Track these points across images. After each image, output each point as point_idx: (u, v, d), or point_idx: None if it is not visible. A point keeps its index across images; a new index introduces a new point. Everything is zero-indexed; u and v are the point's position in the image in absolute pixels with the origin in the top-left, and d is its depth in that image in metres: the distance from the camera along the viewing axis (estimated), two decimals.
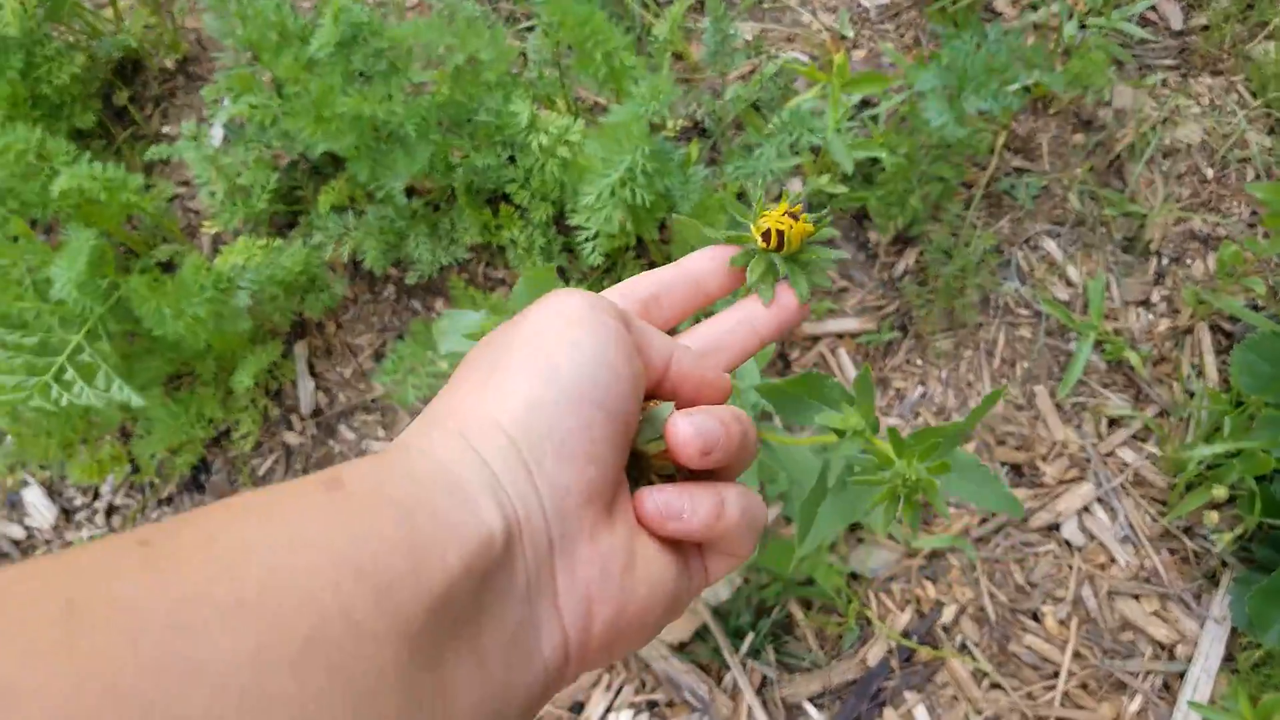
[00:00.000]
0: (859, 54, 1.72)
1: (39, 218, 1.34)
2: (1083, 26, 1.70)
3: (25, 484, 1.54)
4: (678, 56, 1.72)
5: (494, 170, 1.36)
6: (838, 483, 0.59)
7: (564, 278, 1.52)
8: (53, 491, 1.56)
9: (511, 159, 1.40)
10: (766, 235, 0.45)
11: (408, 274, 1.48)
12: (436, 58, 1.36)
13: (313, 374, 1.57)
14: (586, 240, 1.25)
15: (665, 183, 1.29)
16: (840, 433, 0.58)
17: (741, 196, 1.43)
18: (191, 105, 1.74)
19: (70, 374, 1.10)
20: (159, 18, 1.67)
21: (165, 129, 1.73)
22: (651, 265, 1.51)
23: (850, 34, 1.73)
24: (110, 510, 1.55)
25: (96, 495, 1.55)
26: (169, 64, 1.76)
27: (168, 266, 1.55)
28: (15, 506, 1.56)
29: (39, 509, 1.54)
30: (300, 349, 1.56)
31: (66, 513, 1.55)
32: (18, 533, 1.54)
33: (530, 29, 1.71)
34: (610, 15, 1.67)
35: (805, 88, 1.68)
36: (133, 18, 1.67)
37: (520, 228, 1.43)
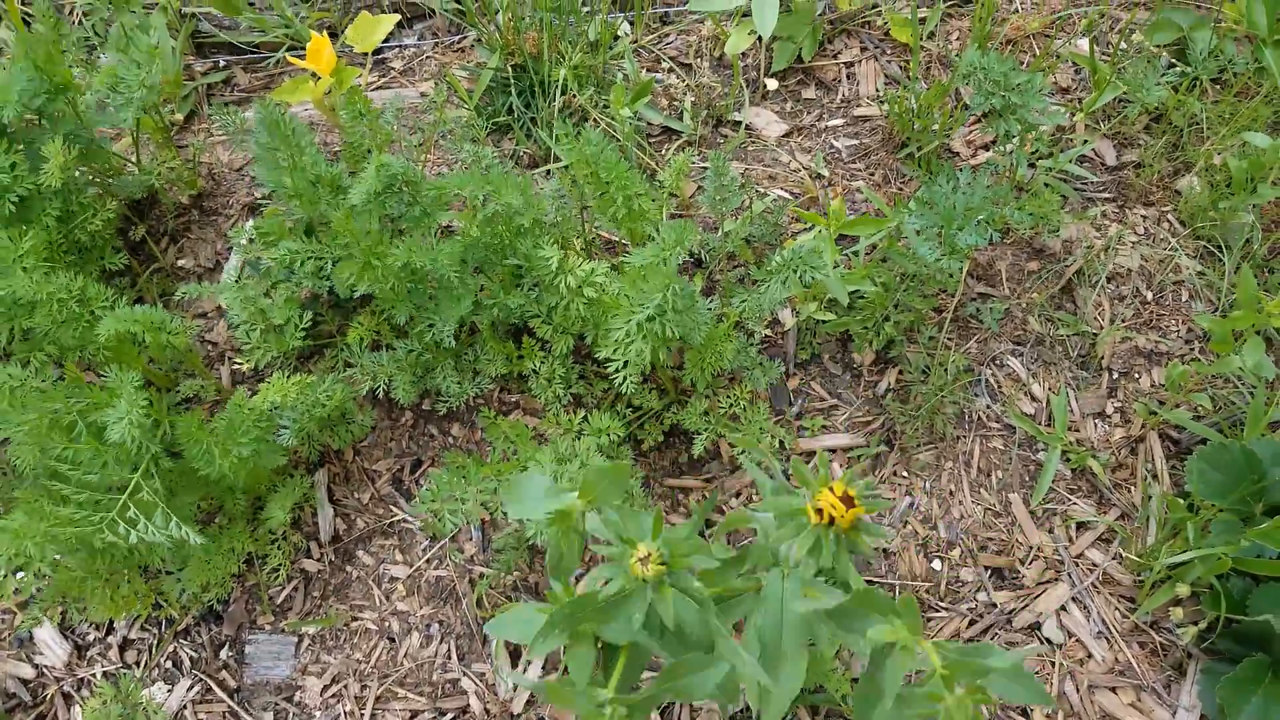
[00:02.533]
0: (834, 191, 1.89)
1: (74, 360, 1.38)
2: (1031, 166, 1.91)
3: (38, 621, 1.53)
4: (672, 193, 1.87)
5: (520, 308, 1.47)
6: (896, 698, 0.68)
7: (579, 404, 1.62)
8: (65, 628, 1.56)
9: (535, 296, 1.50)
10: (820, 511, 0.54)
11: (436, 404, 1.55)
12: (464, 202, 1.47)
13: (331, 500, 1.62)
14: (617, 371, 1.34)
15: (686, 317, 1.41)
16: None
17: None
18: (205, 239, 1.81)
19: (133, 511, 1.15)
20: (174, 154, 1.75)
21: (181, 262, 1.79)
22: (660, 390, 1.62)
23: (826, 173, 1.91)
24: (125, 645, 1.55)
25: (110, 630, 1.56)
26: (184, 199, 1.83)
27: (190, 400, 1.60)
28: (24, 644, 1.55)
29: (51, 646, 1.54)
30: (321, 476, 1.61)
31: (79, 649, 1.55)
32: (27, 672, 1.53)
33: (548, 173, 1.83)
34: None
35: (792, 221, 1.84)
36: (151, 157, 1.75)
37: (542, 359, 1.53)
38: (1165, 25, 2.04)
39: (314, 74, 1.75)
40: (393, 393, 1.48)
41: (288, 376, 1.43)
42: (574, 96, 1.84)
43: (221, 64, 2.07)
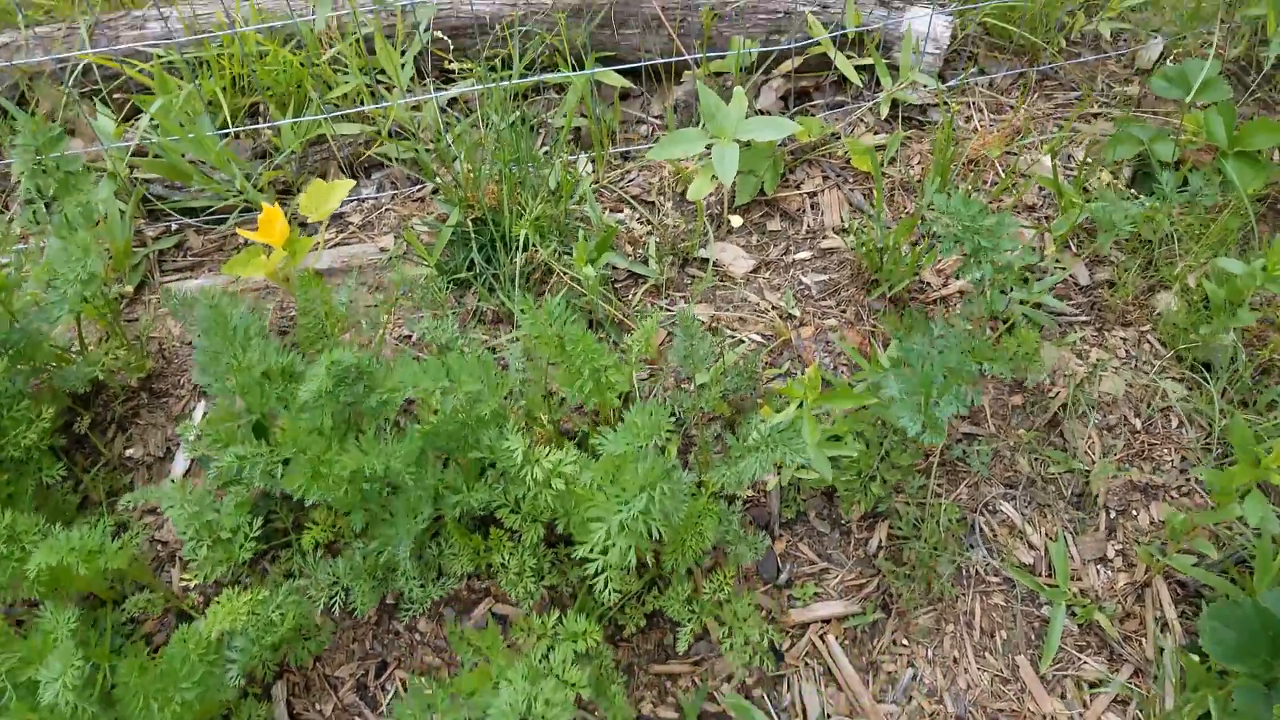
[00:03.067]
0: (806, 331, 1.84)
1: (7, 600, 1.28)
2: (1003, 292, 1.87)
3: None
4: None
5: (486, 502, 1.38)
6: None
7: (554, 594, 1.53)
8: None
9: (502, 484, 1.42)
10: None
11: (398, 609, 1.46)
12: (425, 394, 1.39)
13: (291, 716, 1.50)
14: (596, 572, 1.25)
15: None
16: None
17: None
18: (155, 424, 1.73)
19: None
20: (121, 340, 1.68)
21: (129, 452, 1.70)
22: (641, 565, 1.53)
23: (797, 313, 1.86)
24: None
25: None
26: (132, 382, 1.75)
27: (135, 621, 1.49)
28: None
29: None
30: (279, 690, 1.50)
31: None
32: None
33: (513, 333, 1.77)
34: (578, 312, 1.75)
35: (767, 365, 1.78)
36: (97, 342, 1.67)
37: (511, 550, 1.44)
38: (1126, 139, 2.03)
39: (267, 245, 1.69)
40: (350, 603, 1.39)
41: (237, 594, 1.33)
42: (536, 251, 1.79)
43: (174, 228, 2.02)
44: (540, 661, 1.29)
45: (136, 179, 1.97)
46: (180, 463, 1.66)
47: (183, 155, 1.88)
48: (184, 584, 1.47)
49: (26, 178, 1.46)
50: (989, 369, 1.50)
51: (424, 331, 1.50)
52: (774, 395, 1.65)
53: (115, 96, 2.08)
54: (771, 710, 1.51)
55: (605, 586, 1.27)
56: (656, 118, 2.25)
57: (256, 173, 2.01)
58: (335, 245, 2.00)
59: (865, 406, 1.39)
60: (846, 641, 1.57)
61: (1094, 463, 1.73)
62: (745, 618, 1.42)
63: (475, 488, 1.38)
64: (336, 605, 1.40)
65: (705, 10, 1.99)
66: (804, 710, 1.51)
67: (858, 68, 2.22)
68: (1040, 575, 1.62)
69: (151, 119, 1.82)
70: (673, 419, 1.72)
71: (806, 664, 1.55)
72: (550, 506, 1.36)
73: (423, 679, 1.43)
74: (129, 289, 1.89)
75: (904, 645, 1.57)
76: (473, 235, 1.86)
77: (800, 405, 1.35)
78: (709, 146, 1.78)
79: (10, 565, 1.23)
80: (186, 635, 1.26)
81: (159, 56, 1.91)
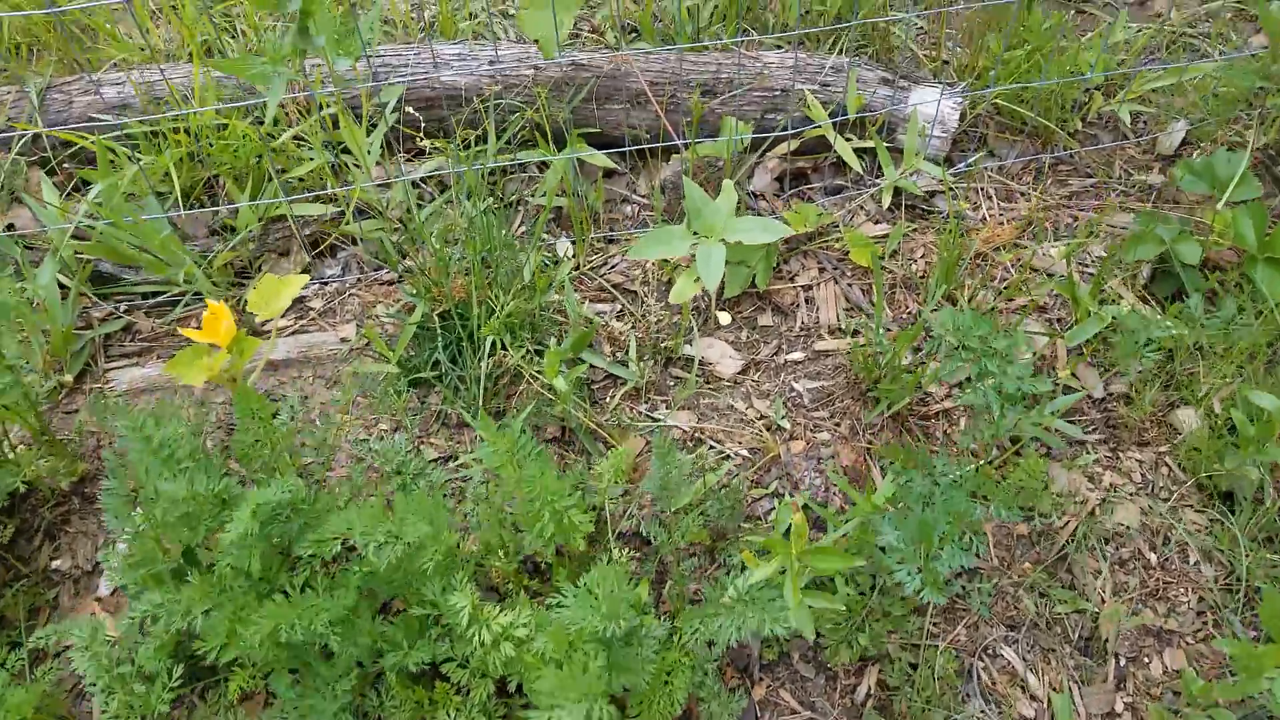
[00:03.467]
0: (797, 445, 1.70)
1: None
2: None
3: None
4: (610, 448, 1.68)
5: (425, 661, 1.25)
6: None
7: None
8: None
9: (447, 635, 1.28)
10: None
11: None
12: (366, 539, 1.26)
13: None
14: None
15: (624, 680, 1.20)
16: None
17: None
18: (87, 533, 1.59)
19: None
20: (53, 442, 1.55)
21: (56, 563, 1.57)
22: None
23: (786, 425, 1.72)
24: None
25: None
26: (64, 486, 1.62)
27: None
28: None
29: None
30: None
31: None
32: None
33: (466, 478, 1.63)
34: (548, 445, 1.62)
35: (752, 485, 1.64)
36: (25, 448, 1.54)
37: (458, 707, 1.30)
38: (1147, 239, 1.89)
39: (212, 345, 1.57)
40: None
41: None
42: (505, 355, 1.65)
43: (122, 309, 1.89)
44: None
45: (83, 257, 1.85)
46: (105, 585, 1.53)
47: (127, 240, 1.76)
48: None
49: None
50: (996, 513, 1.36)
51: (373, 456, 1.36)
52: (753, 543, 1.50)
53: (65, 166, 1.96)
54: None
55: None
56: (643, 197, 2.13)
57: (213, 252, 1.88)
58: (293, 333, 1.87)
59: (857, 567, 1.25)
60: None
61: (1104, 603, 1.59)
62: None
63: (418, 644, 1.24)
64: None
65: (695, 97, 1.87)
66: None
67: (859, 151, 2.10)
68: None
69: (95, 200, 1.70)
70: (642, 538, 1.58)
71: None
72: (500, 667, 1.22)
73: None
74: (69, 378, 1.76)
75: None
76: (439, 331, 1.73)
77: (783, 566, 1.21)
78: (694, 246, 1.65)
79: None
80: None
81: (98, 138, 1.78)
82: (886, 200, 2.03)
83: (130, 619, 1.21)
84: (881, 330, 1.84)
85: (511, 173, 2.10)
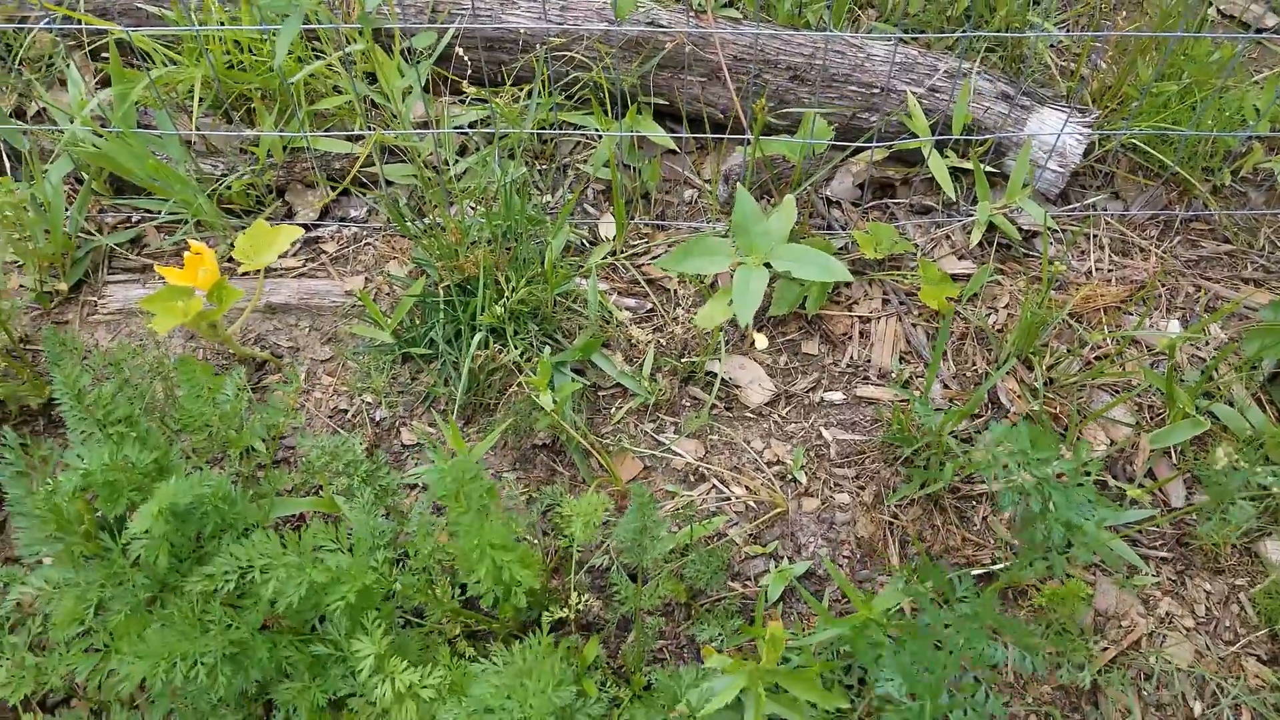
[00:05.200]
0: (810, 503, 1.50)
1: None
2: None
3: None
4: (603, 468, 1.51)
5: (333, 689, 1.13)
6: None
7: None
8: None
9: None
10: None
11: None
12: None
13: None
14: None
15: None
16: None
17: None
18: (47, 458, 1.52)
19: None
20: (24, 364, 1.47)
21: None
22: None
23: (803, 479, 1.52)
24: None
25: None
26: (33, 405, 1.55)
27: None
28: None
29: None
30: None
31: None
32: None
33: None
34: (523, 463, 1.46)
35: (746, 542, 1.46)
36: None
37: None
38: (1272, 334, 1.59)
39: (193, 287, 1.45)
40: None
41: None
42: (499, 353, 1.49)
43: (135, 219, 1.79)
44: None
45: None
46: None
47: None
48: None
49: None
50: (1024, 667, 1.15)
51: (317, 452, 1.23)
52: (716, 647, 1.32)
53: (105, 55, 1.85)
54: None
55: None
56: (706, 181, 1.91)
57: (236, 173, 1.76)
58: (300, 275, 1.74)
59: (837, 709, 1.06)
60: None
61: None
62: None
63: (319, 680, 1.12)
64: None
65: (760, 103, 1.63)
66: None
67: (956, 171, 1.82)
68: None
69: (92, 109, 1.58)
70: (603, 573, 1.42)
71: None
72: None
73: None
74: (63, 287, 1.67)
75: None
76: (442, 306, 1.57)
77: (746, 688, 1.04)
78: (735, 266, 1.44)
79: None
80: None
81: (122, 32, 1.66)
82: (977, 236, 1.76)
83: (22, 593, 1.12)
84: (934, 389, 1.61)
85: (564, 133, 1.90)
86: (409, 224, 1.63)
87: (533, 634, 1.14)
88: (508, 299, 1.53)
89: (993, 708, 1.11)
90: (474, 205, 1.75)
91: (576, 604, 1.30)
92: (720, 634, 1.29)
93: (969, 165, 1.82)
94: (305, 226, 1.80)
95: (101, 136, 1.63)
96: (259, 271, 1.48)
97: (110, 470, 1.14)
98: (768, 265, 1.43)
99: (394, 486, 1.31)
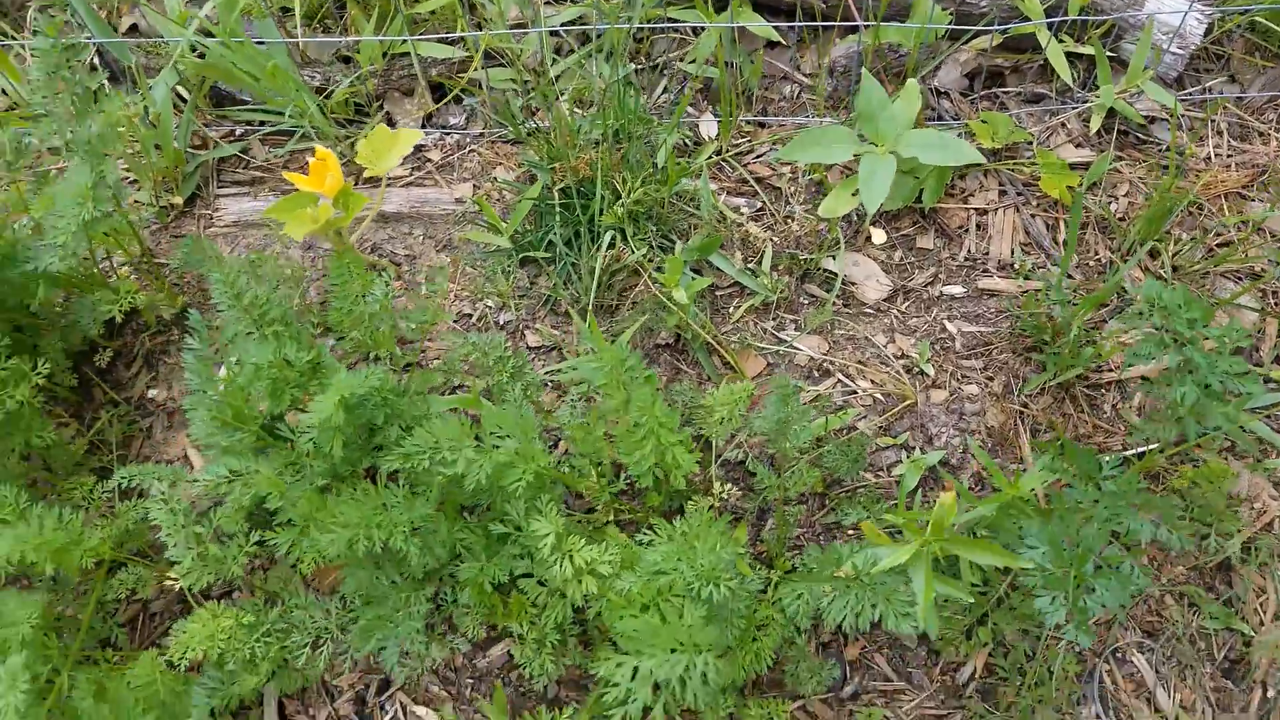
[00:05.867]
0: (938, 395, 1.51)
1: None
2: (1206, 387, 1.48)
3: None
4: (730, 367, 1.52)
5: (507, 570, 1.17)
6: None
7: (578, 684, 1.32)
8: None
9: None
10: None
11: (395, 672, 1.27)
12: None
13: (282, 716, 1.37)
14: (614, 707, 1.04)
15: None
16: None
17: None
18: (183, 364, 1.55)
19: None
20: (154, 277, 1.49)
21: (152, 393, 1.54)
22: None
23: (930, 370, 1.52)
24: None
25: None
26: (166, 315, 1.57)
27: (126, 601, 1.36)
28: None
29: None
30: (270, 689, 1.36)
31: None
32: None
33: (571, 367, 1.49)
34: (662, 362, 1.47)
35: (879, 433, 1.47)
36: (127, 282, 1.48)
37: (531, 620, 1.22)
38: None
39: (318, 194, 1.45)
40: (340, 657, 1.21)
41: (220, 612, 1.17)
42: (623, 253, 1.49)
43: (238, 132, 1.79)
44: None
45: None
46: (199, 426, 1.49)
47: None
48: (172, 582, 1.31)
49: (40, 89, 1.24)
50: (1170, 543, 1.16)
51: (468, 349, 1.25)
52: (883, 520, 1.34)
53: None
54: None
55: None
56: (806, 76, 1.86)
57: (334, 82, 1.74)
58: (407, 184, 1.74)
59: (1008, 568, 1.08)
60: None
61: (1262, 626, 1.39)
62: None
63: (496, 560, 1.15)
64: (327, 645, 1.22)
65: None
66: None
67: (1071, 57, 1.76)
68: None
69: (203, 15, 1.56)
70: (741, 464, 1.44)
71: None
72: (580, 599, 1.13)
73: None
74: (178, 200, 1.68)
75: None
76: (558, 209, 1.57)
77: (917, 550, 1.05)
78: (858, 155, 1.41)
79: None
80: (156, 662, 1.10)
81: None
82: (1097, 122, 1.71)
83: (205, 481, 1.15)
84: (1064, 280, 1.59)
85: (661, 30, 1.86)
86: (520, 127, 1.62)
87: (690, 514, 1.16)
88: (625, 200, 1.52)
89: (1139, 580, 1.13)
90: (574, 107, 1.73)
91: (720, 492, 1.33)
92: (867, 517, 1.31)
93: (1083, 50, 1.76)
94: None
95: (209, 49, 1.62)
96: (378, 179, 1.47)
97: (273, 367, 1.17)
98: (894, 154, 1.40)
99: (537, 382, 1.32)
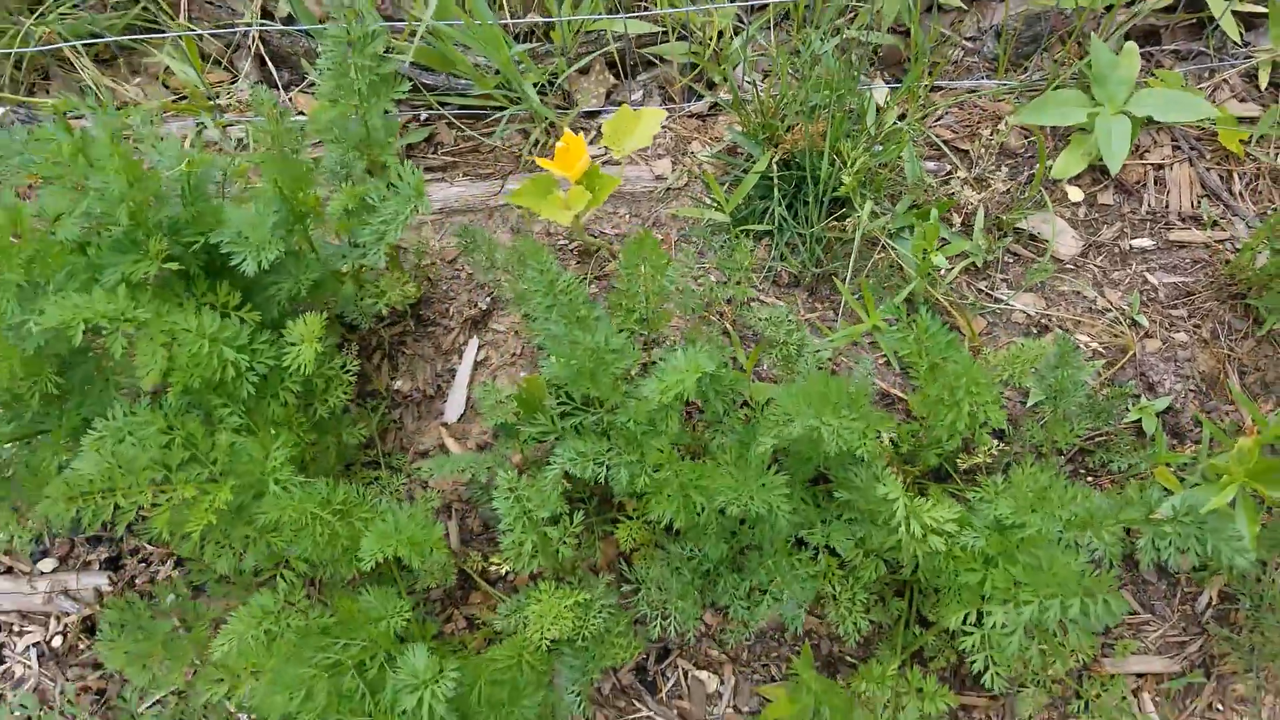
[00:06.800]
0: (1152, 344, 1.59)
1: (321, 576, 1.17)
2: None
3: None
4: (955, 328, 1.59)
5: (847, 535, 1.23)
6: None
7: (880, 633, 1.39)
8: None
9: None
10: None
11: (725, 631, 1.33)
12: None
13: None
14: (973, 651, 1.11)
15: None
16: None
17: None
18: (423, 356, 1.57)
19: None
20: (402, 273, 1.49)
21: (398, 385, 1.55)
22: None
23: (1143, 320, 1.61)
24: None
25: None
26: (399, 306, 1.58)
27: (429, 593, 1.39)
28: None
29: None
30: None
31: None
32: None
33: (847, 339, 1.54)
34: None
35: (1108, 380, 1.55)
36: (385, 278, 1.48)
37: (841, 580, 1.29)
38: None
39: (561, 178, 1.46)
40: (670, 626, 1.26)
41: (556, 591, 1.21)
42: (856, 218, 1.53)
43: (423, 118, 1.78)
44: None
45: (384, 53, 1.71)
46: (454, 406, 1.51)
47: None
48: (495, 567, 1.35)
49: (329, 78, 1.23)
50: None
51: (762, 326, 1.29)
52: (1158, 451, 1.42)
53: None
54: None
55: (988, 669, 1.13)
56: (969, 39, 1.91)
57: (522, 66, 1.73)
58: (605, 163, 1.75)
59: None
60: (1160, 699, 1.44)
61: None
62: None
63: (833, 526, 1.21)
64: (657, 625, 1.27)
65: None
66: None
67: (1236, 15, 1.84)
68: None
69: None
70: (998, 434, 1.52)
71: (1113, 717, 1.42)
72: (919, 558, 1.20)
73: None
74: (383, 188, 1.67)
75: (1218, 710, 1.43)
76: (776, 181, 1.60)
77: (1237, 489, 1.14)
78: (1091, 116, 1.47)
79: (341, 545, 1.11)
80: (519, 647, 1.15)
81: None
82: (1265, 77, 1.79)
83: (554, 460, 1.19)
84: (1239, 229, 1.68)
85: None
86: (740, 102, 1.64)
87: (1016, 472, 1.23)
88: (849, 169, 1.56)
89: None
90: (763, 73, 1.75)
91: (988, 448, 1.40)
92: (1137, 462, 1.40)
93: (1243, 8, 1.83)
94: (592, 114, 1.80)
95: (421, 32, 1.60)
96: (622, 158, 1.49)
97: (596, 351, 1.20)
98: (1126, 114, 1.47)
99: (813, 350, 1.37)
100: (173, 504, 0.93)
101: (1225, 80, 1.84)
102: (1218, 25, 1.81)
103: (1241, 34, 1.87)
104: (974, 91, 1.84)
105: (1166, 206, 1.74)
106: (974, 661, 1.16)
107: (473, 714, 1.09)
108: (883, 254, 1.58)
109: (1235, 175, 1.76)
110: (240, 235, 1.11)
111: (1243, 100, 1.83)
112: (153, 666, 1.13)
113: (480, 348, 1.55)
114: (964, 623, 1.14)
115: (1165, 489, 1.32)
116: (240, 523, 1.04)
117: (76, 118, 1.79)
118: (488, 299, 1.55)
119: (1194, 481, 1.37)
